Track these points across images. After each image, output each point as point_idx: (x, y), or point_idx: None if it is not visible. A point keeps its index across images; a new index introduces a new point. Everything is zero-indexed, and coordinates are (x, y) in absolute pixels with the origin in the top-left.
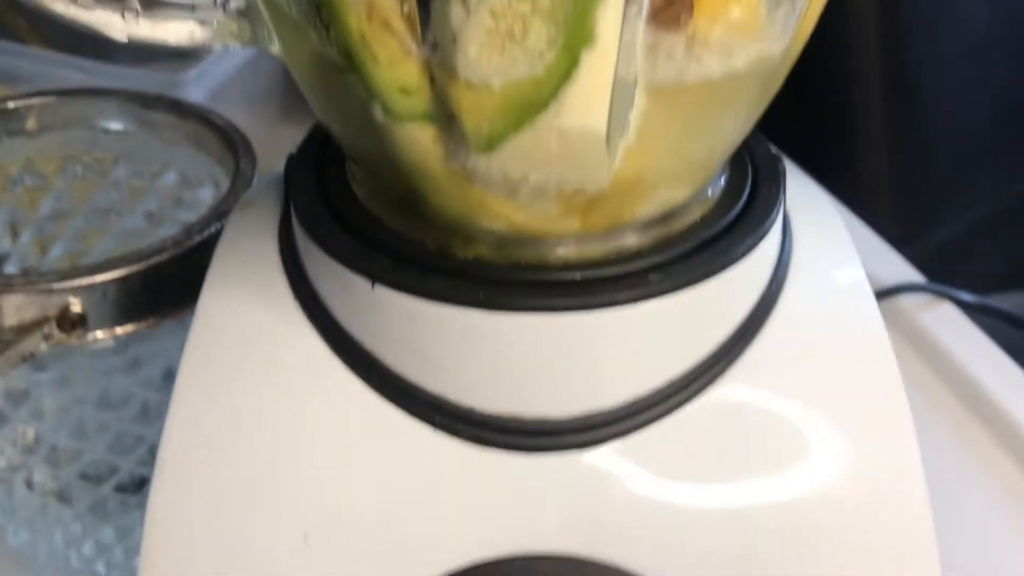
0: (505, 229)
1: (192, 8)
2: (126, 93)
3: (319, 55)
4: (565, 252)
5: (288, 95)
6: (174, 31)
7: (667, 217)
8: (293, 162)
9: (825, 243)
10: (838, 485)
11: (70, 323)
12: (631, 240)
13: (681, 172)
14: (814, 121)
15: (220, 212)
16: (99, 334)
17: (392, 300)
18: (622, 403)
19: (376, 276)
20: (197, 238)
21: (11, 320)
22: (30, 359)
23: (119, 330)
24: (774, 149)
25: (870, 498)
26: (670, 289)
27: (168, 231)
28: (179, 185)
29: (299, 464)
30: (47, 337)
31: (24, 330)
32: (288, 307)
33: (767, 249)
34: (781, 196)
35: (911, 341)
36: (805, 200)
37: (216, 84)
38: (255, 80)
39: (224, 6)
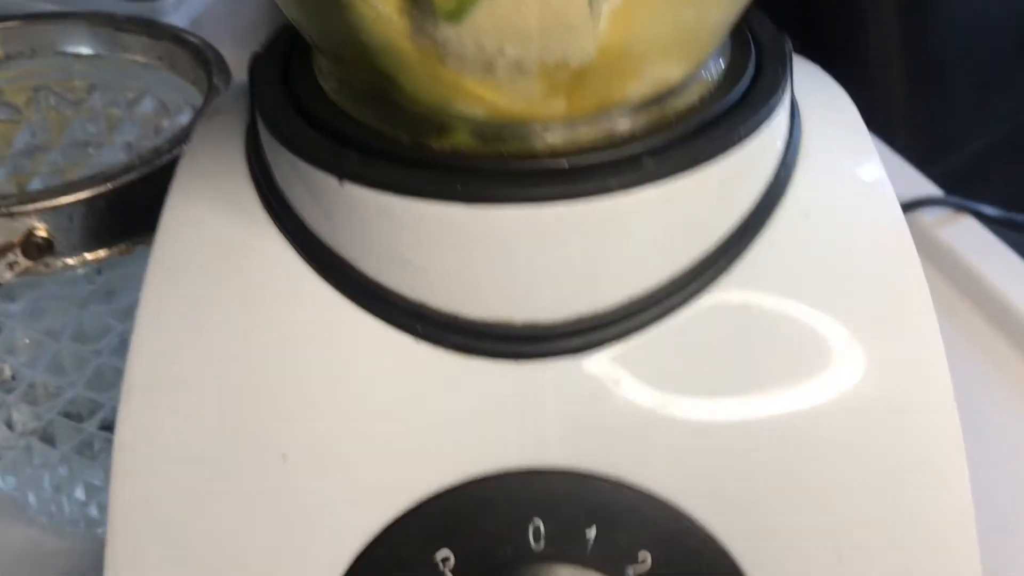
0: (483, 114)
1: None
2: (96, 15)
3: None
4: (550, 138)
5: (272, 23)
6: None
7: (662, 99)
8: (258, 61)
9: (838, 132)
10: (857, 392)
11: (36, 248)
12: (623, 124)
13: (674, 42)
14: (825, 38)
15: (188, 133)
16: (69, 260)
17: (362, 197)
18: (618, 304)
19: (344, 172)
20: (167, 157)
21: None
22: None
23: (89, 256)
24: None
25: (893, 405)
26: (666, 174)
27: None
28: (157, 112)
29: (273, 382)
30: (12, 265)
31: None
32: (256, 214)
33: (772, 134)
34: (787, 76)
35: (932, 257)
36: (814, 85)
37: (196, 12)
38: (236, 7)
39: None
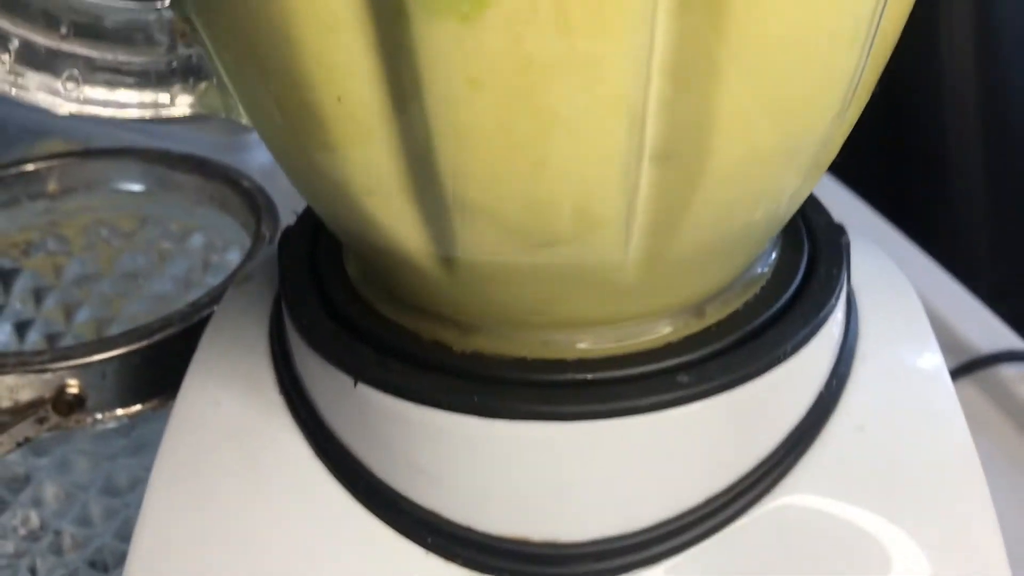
0: (506, 320)
1: (144, 77)
2: (150, 152)
3: (286, 132)
4: (579, 344)
5: None
6: (127, 100)
7: (702, 304)
8: (287, 237)
9: (898, 330)
10: None
11: (67, 405)
12: (657, 331)
13: (715, 251)
14: (902, 164)
15: (226, 285)
16: (100, 416)
17: (376, 400)
18: (646, 526)
19: (358, 372)
20: (203, 313)
21: (4, 402)
22: (26, 444)
23: (121, 412)
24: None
25: None
26: (704, 393)
27: (198, 296)
28: (206, 248)
29: None
30: (42, 421)
31: (19, 413)
32: (271, 400)
33: (823, 345)
34: (843, 278)
35: (1012, 415)
36: (875, 275)
37: None
38: None
39: (181, 73)
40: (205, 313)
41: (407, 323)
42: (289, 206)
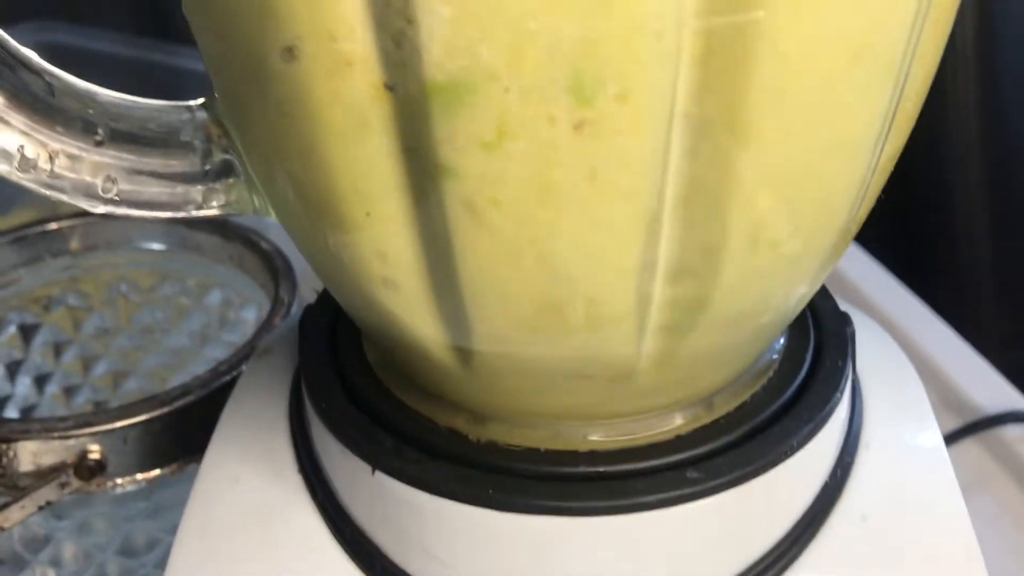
0: (519, 412)
1: (178, 178)
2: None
3: (312, 230)
4: (590, 437)
5: None
6: (160, 201)
7: (712, 396)
8: (308, 315)
9: (901, 416)
10: None
11: (88, 470)
12: (668, 424)
13: (726, 351)
14: (908, 219)
15: (248, 352)
16: (120, 480)
17: (393, 488)
18: None
19: (376, 460)
20: (222, 380)
21: (27, 466)
22: (47, 507)
23: (140, 476)
24: (842, 305)
25: None
26: (712, 489)
27: (213, 351)
28: (224, 304)
29: None
30: (63, 486)
31: (41, 477)
32: (290, 480)
33: (831, 433)
34: (848, 370)
35: (1017, 476)
36: (878, 358)
37: None
38: None
39: (214, 175)
40: (224, 380)
41: (423, 409)
42: (307, 269)
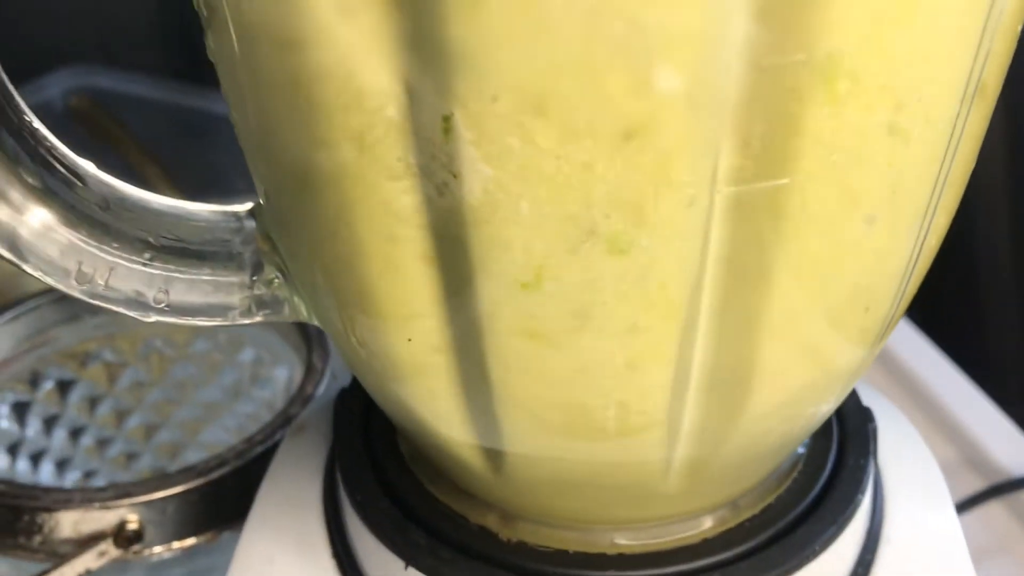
0: (548, 515)
1: (227, 288)
2: None
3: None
4: (618, 540)
5: None
6: (207, 311)
7: (738, 499)
8: (343, 399)
9: (921, 509)
10: None
11: (126, 539)
12: (694, 528)
13: (752, 461)
14: (933, 271)
15: (282, 421)
16: (156, 549)
17: None
18: None
19: (410, 556)
20: (259, 448)
21: (67, 534)
22: (86, 575)
23: (177, 544)
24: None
25: None
26: None
27: (244, 406)
28: (255, 362)
29: None
30: (102, 555)
31: (80, 545)
32: (324, 566)
33: (853, 534)
34: (869, 469)
35: None
36: (899, 448)
37: None
38: None
39: (262, 284)
40: (258, 451)
41: (455, 505)
42: None
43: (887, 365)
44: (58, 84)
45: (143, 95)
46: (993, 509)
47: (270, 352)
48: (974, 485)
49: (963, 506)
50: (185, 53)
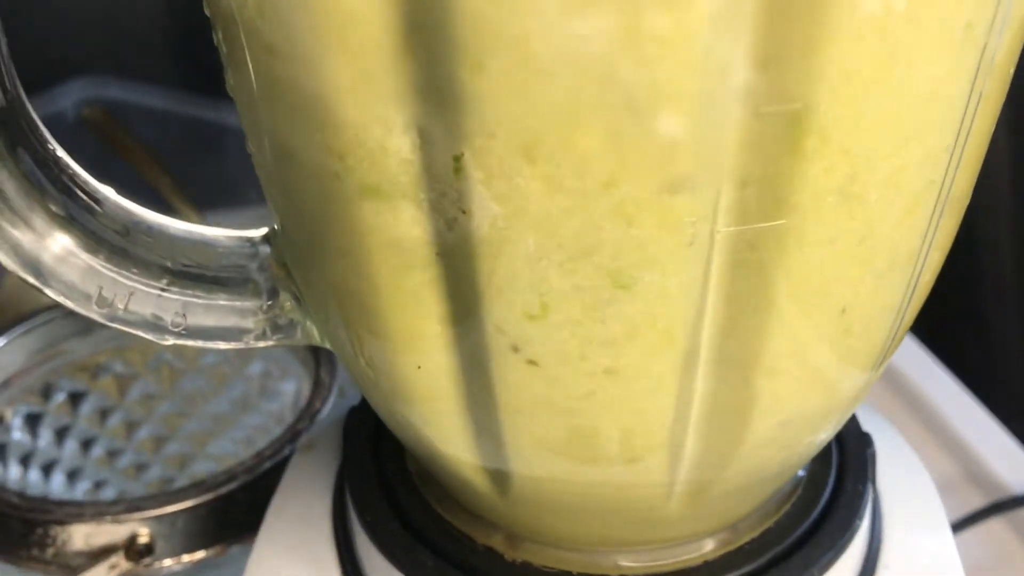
0: (552, 535)
1: (242, 312)
2: None
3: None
4: (621, 562)
5: None
6: (222, 334)
7: (738, 523)
8: (352, 418)
9: (919, 534)
10: None
11: (137, 552)
12: (695, 551)
13: (753, 486)
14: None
15: (290, 436)
16: (167, 562)
17: None
18: None
19: None
20: (267, 464)
21: (79, 547)
22: None
23: (187, 558)
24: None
25: None
26: None
27: (252, 419)
28: (263, 375)
29: None
30: (113, 567)
31: (92, 558)
32: None
33: (851, 559)
34: (868, 494)
35: None
36: (897, 472)
37: None
38: None
39: (277, 309)
40: (266, 466)
41: (462, 525)
42: None
43: (891, 381)
44: (70, 95)
45: (155, 106)
46: (994, 526)
47: (278, 366)
48: (975, 502)
49: (964, 523)
50: (196, 64)
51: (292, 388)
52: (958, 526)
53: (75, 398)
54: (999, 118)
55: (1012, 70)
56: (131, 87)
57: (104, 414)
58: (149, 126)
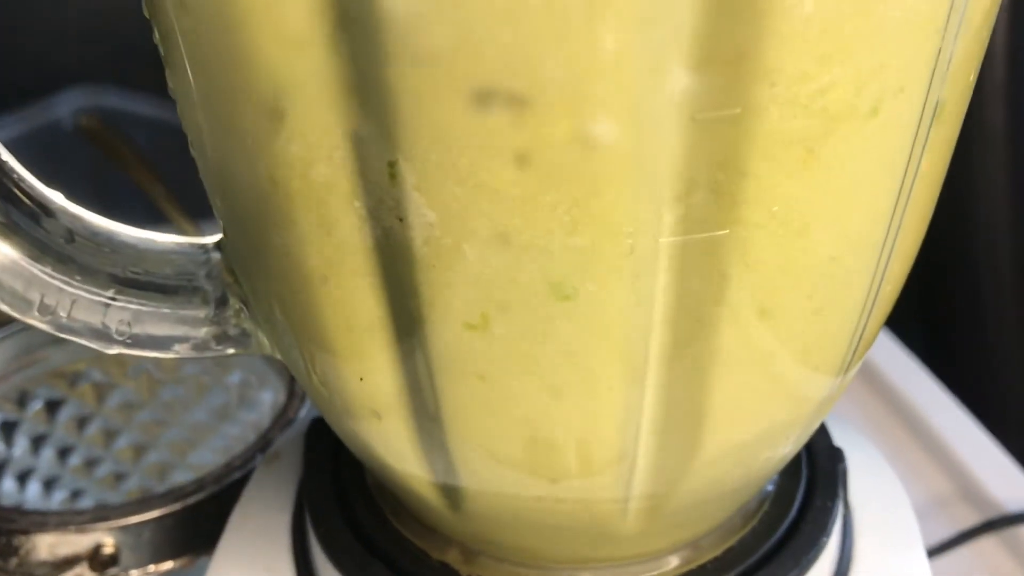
0: (507, 551)
1: (190, 321)
2: None
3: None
4: None
5: None
6: (170, 344)
7: (699, 540)
8: (313, 431)
9: (892, 555)
10: None
11: (101, 563)
12: (654, 568)
13: (711, 503)
14: (933, 299)
15: (262, 445)
16: (132, 573)
17: None
18: None
19: None
20: (236, 474)
21: (43, 556)
22: None
23: (153, 568)
24: (835, 440)
25: None
26: None
27: (231, 428)
28: (242, 385)
29: None
30: None
31: (56, 568)
32: None
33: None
34: (837, 511)
35: None
36: (870, 487)
37: None
38: None
39: (226, 319)
40: (235, 476)
41: (417, 540)
42: None
43: (884, 396)
44: (67, 104)
45: (151, 115)
46: (987, 544)
47: (256, 375)
48: (969, 519)
49: (957, 540)
50: None
51: (270, 398)
52: (951, 544)
53: (52, 406)
54: (999, 120)
55: (973, 77)
56: (128, 97)
57: (82, 422)
58: (146, 135)
